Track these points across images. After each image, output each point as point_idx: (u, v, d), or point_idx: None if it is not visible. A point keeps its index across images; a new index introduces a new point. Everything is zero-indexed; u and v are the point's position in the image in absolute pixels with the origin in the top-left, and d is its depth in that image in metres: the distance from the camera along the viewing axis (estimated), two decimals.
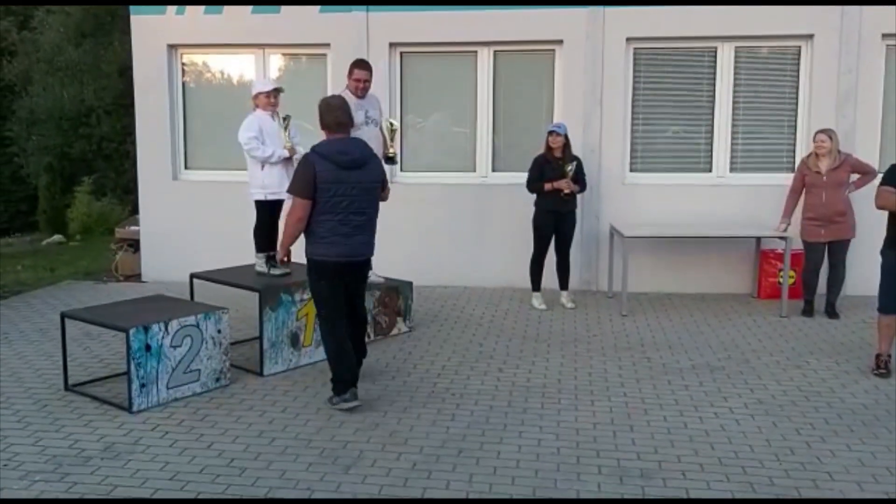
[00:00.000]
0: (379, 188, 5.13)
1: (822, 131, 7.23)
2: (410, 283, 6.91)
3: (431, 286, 8.28)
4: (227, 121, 7.83)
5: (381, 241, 5.51)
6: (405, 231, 8.26)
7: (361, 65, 6.55)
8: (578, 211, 7.70)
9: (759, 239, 7.92)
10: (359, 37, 8.30)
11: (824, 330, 6.88)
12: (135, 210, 10.77)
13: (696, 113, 8.28)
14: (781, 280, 7.52)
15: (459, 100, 8.55)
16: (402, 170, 8.51)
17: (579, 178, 7.47)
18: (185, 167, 8.94)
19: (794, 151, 8.17)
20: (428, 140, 8.70)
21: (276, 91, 6.14)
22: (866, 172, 7.31)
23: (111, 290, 8.41)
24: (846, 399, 5.22)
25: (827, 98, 7.96)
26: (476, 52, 8.40)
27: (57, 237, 13.66)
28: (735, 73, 8.16)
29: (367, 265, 5.32)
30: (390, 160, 6.55)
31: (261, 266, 6.14)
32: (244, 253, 6.49)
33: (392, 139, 6.59)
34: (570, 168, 7.34)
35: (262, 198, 6.09)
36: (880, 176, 5.85)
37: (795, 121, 8.17)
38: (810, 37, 7.97)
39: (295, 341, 5.85)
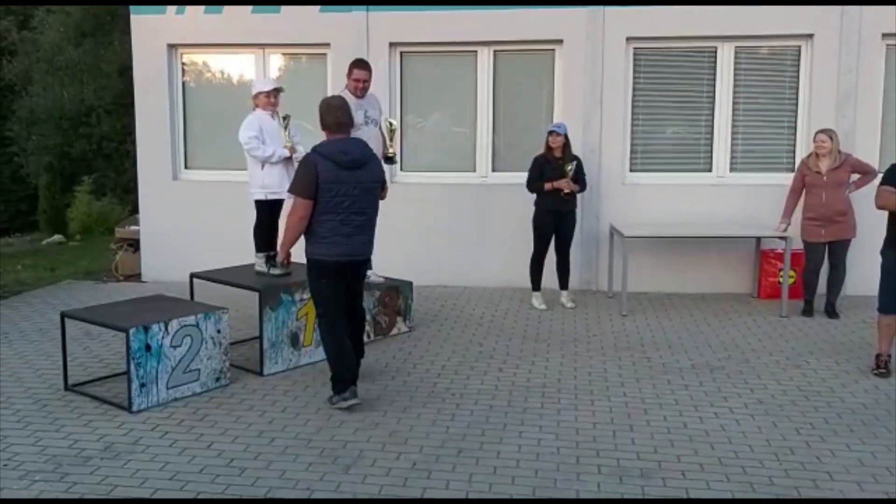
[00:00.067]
0: (379, 188, 5.15)
1: (822, 131, 7.23)
2: (410, 283, 6.91)
3: (431, 286, 8.28)
4: (227, 120, 7.83)
5: (381, 241, 5.52)
6: (405, 231, 8.26)
7: (361, 65, 6.53)
8: (578, 211, 7.70)
9: (759, 239, 7.92)
10: (359, 37, 8.29)
11: (824, 330, 6.88)
12: (135, 210, 10.77)
13: (695, 113, 8.28)
14: (781, 280, 7.52)
15: (459, 100, 8.55)
16: (402, 170, 8.51)
17: (579, 178, 7.47)
18: (185, 167, 8.94)
19: (794, 151, 8.17)
20: (428, 140, 8.70)
21: (277, 91, 6.14)
22: (866, 172, 7.31)
23: (111, 290, 8.41)
24: (846, 399, 5.22)
25: (827, 98, 7.95)
26: (476, 51, 8.40)
27: (57, 237, 13.63)
28: (735, 73, 8.15)
29: (366, 264, 5.35)
30: (390, 160, 6.53)
31: (260, 266, 6.15)
32: (244, 253, 6.48)
33: (391, 139, 6.57)
34: (570, 168, 7.34)
35: (262, 197, 6.09)
36: (880, 176, 5.85)
37: (795, 121, 8.17)
38: (810, 37, 7.96)
39: (295, 341, 5.85)
